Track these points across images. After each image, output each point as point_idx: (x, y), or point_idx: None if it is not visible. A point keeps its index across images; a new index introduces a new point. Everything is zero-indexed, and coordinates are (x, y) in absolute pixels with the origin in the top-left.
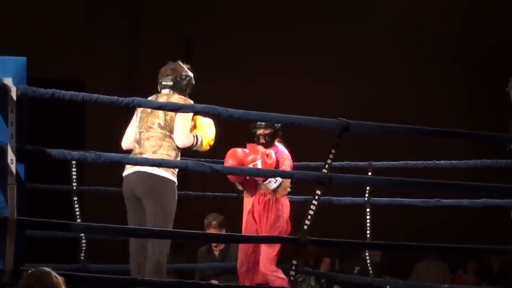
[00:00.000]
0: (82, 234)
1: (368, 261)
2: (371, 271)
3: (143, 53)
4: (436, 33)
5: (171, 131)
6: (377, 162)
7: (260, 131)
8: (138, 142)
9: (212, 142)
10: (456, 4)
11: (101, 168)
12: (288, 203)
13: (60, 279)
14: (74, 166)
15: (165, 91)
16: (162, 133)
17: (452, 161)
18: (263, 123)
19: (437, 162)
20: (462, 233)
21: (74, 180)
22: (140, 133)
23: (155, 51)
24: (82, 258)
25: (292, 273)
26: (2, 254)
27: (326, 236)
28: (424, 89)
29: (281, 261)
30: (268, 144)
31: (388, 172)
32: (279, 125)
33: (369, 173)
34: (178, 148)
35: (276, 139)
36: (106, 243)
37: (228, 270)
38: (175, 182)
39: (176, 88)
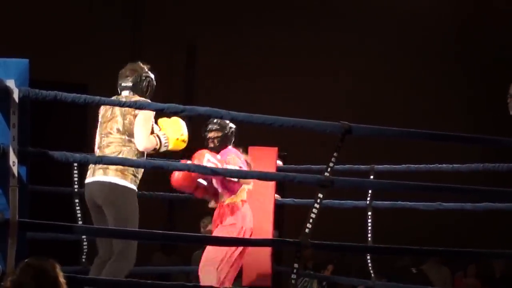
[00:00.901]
0: (83, 236)
1: (370, 264)
2: (372, 275)
3: (145, 56)
4: (439, 35)
5: (130, 135)
6: (379, 166)
7: (210, 134)
8: (99, 148)
9: (182, 140)
10: (459, 6)
11: None
12: (248, 212)
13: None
14: (75, 168)
15: (125, 93)
16: (121, 138)
17: (454, 165)
18: (214, 126)
19: (439, 165)
20: (464, 236)
21: (76, 182)
22: (101, 138)
23: (157, 54)
24: (83, 260)
25: (293, 276)
26: (4, 256)
27: (328, 239)
28: (428, 92)
29: (282, 264)
30: (218, 148)
31: (390, 175)
32: (232, 128)
33: (371, 177)
34: (140, 152)
35: (230, 143)
36: None
37: None
38: (135, 190)
39: (136, 89)
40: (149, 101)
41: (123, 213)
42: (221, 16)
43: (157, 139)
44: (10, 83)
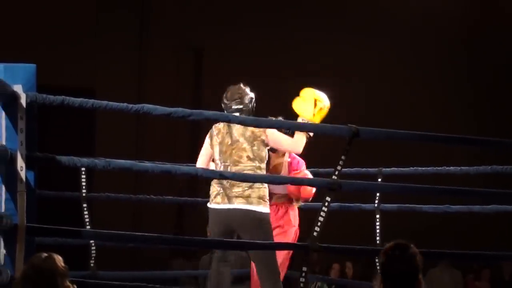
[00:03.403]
0: (91, 241)
1: (378, 267)
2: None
3: (152, 61)
4: (449, 40)
5: (260, 160)
6: (387, 168)
7: None
8: None
9: (320, 108)
10: (468, 11)
11: (111, 175)
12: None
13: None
14: (83, 172)
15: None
16: (253, 166)
17: (462, 167)
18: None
19: (447, 168)
20: (472, 239)
21: (84, 187)
22: (225, 166)
23: (164, 59)
24: (92, 265)
25: (302, 279)
26: (12, 261)
27: (336, 242)
28: (436, 96)
29: (290, 268)
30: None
31: (398, 178)
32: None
33: (379, 180)
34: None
35: None
36: (116, 250)
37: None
38: (269, 214)
39: (246, 111)
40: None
41: (270, 238)
42: (228, 24)
43: (301, 133)
44: (18, 88)
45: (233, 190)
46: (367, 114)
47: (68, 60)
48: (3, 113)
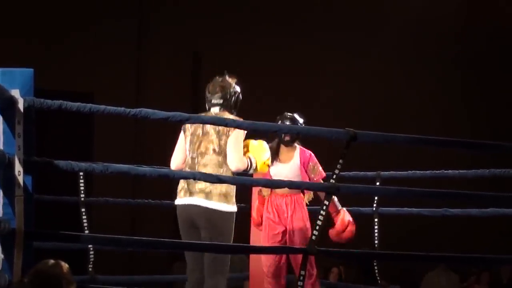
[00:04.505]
0: (90, 246)
1: (376, 270)
2: (379, 281)
3: (151, 64)
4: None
5: (225, 156)
6: (385, 172)
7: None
8: (192, 168)
9: (267, 164)
10: (474, 15)
11: (109, 179)
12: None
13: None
14: (81, 177)
15: (214, 109)
16: (218, 160)
17: (461, 171)
18: (289, 122)
19: (446, 171)
20: (470, 243)
21: (82, 192)
22: (192, 158)
23: (163, 63)
24: (90, 269)
25: (300, 283)
26: (10, 266)
27: (334, 246)
28: (441, 100)
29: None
30: (291, 143)
31: (396, 181)
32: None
33: (377, 183)
34: (233, 173)
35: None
36: (115, 255)
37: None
38: (232, 213)
39: (226, 106)
40: (240, 119)
41: (228, 240)
42: (227, 27)
43: (248, 160)
44: (15, 93)
45: (196, 186)
46: (364, 117)
47: (66, 64)
48: (1, 118)
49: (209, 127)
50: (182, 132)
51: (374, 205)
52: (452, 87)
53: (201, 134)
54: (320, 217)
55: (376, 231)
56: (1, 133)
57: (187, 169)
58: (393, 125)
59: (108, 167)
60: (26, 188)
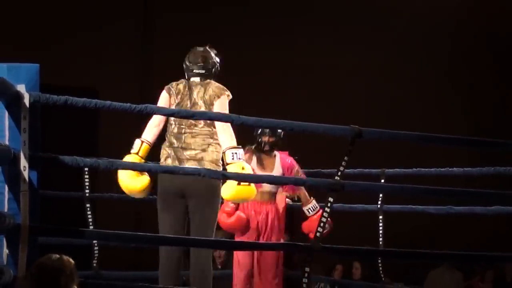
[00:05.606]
0: (94, 241)
1: (381, 268)
2: (383, 278)
3: (156, 61)
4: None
5: (215, 126)
6: (390, 170)
7: (264, 138)
8: (177, 137)
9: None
10: (473, 14)
11: (114, 175)
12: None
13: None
14: (86, 173)
15: (195, 79)
16: (209, 130)
17: (465, 168)
18: (268, 131)
19: (450, 169)
20: (475, 240)
21: (87, 187)
22: (180, 127)
23: (168, 59)
24: (94, 265)
25: (304, 280)
26: (15, 261)
27: (338, 243)
28: (443, 96)
29: (293, 269)
30: (270, 151)
31: (401, 179)
32: (282, 133)
33: (382, 180)
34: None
35: (279, 148)
36: (119, 250)
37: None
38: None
39: (208, 76)
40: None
41: (215, 211)
42: (230, 27)
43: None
44: (21, 88)
45: (185, 153)
46: (370, 114)
47: (71, 59)
48: (6, 113)
49: (197, 98)
50: (166, 96)
51: (379, 202)
52: (459, 85)
53: (189, 105)
54: (324, 213)
55: (380, 228)
56: (6, 128)
57: (170, 137)
58: (398, 122)
59: (113, 163)
60: (31, 183)
